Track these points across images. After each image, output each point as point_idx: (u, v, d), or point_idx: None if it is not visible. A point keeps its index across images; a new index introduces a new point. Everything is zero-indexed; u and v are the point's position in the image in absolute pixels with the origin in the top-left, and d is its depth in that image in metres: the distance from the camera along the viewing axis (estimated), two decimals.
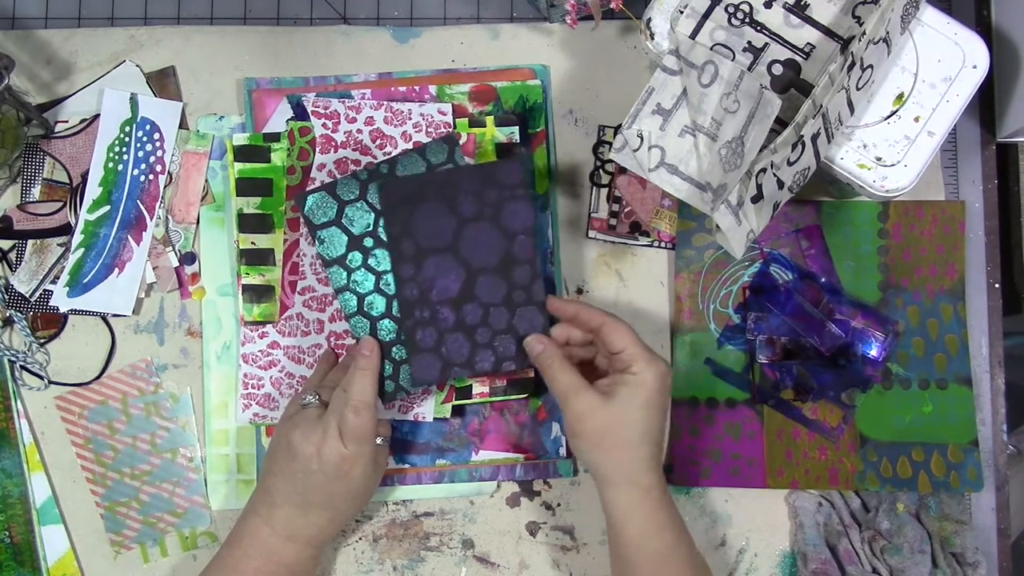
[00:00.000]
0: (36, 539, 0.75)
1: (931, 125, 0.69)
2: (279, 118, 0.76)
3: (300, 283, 0.74)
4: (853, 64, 0.65)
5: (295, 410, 0.68)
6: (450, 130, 0.75)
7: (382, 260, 0.71)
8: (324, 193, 0.70)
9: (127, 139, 0.77)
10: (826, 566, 0.73)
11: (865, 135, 0.69)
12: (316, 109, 0.75)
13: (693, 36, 0.69)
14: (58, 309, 0.75)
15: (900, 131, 0.69)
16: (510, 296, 0.69)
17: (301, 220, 0.75)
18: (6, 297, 0.76)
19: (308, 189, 0.72)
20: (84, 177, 0.76)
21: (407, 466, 0.75)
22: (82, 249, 0.75)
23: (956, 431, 0.75)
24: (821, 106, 0.64)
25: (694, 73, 0.66)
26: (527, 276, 0.69)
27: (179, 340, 0.76)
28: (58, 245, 0.76)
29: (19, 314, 0.76)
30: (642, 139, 0.65)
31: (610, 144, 0.77)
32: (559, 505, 0.76)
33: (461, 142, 0.74)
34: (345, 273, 0.71)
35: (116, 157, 0.76)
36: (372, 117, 0.75)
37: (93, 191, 0.76)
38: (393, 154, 0.75)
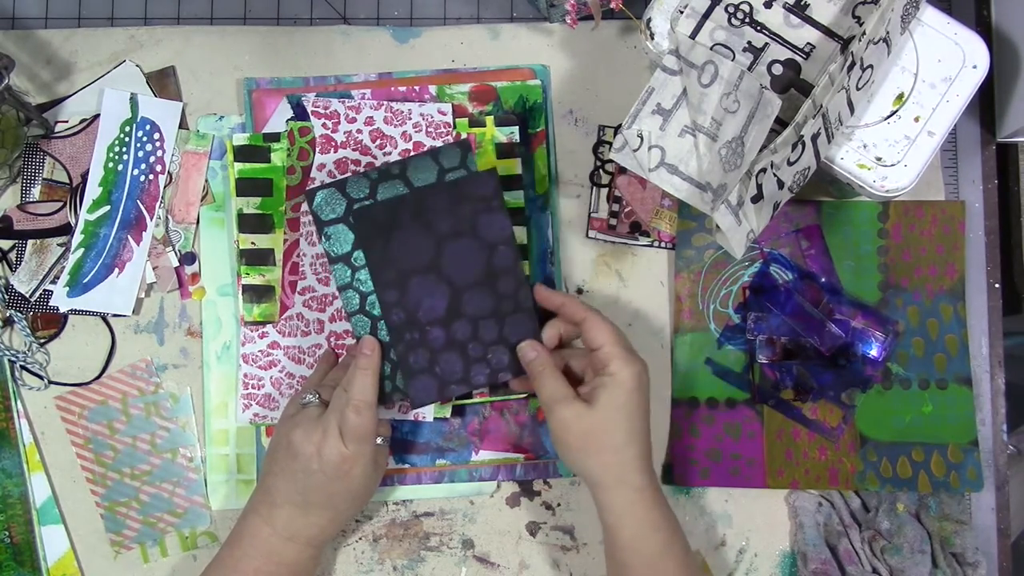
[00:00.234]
0: (36, 539, 0.75)
1: (931, 125, 0.69)
2: (279, 118, 0.76)
3: (300, 283, 0.74)
4: (853, 64, 0.65)
5: (295, 410, 0.68)
6: (451, 129, 0.75)
7: None
8: (333, 190, 0.70)
9: (127, 139, 0.77)
10: (826, 566, 0.73)
11: (865, 135, 0.69)
12: (316, 109, 0.75)
13: (693, 36, 0.69)
14: (58, 309, 0.75)
15: (900, 131, 0.69)
16: (498, 307, 0.69)
17: (302, 220, 0.75)
18: (6, 297, 0.76)
19: (318, 185, 0.72)
20: (84, 177, 0.76)
21: (407, 466, 0.75)
22: (82, 249, 0.75)
23: (956, 431, 0.75)
24: (821, 106, 0.64)
25: (694, 73, 0.66)
26: (512, 285, 0.69)
27: (179, 340, 0.76)
28: (58, 245, 0.76)
29: (19, 314, 0.76)
30: (642, 139, 0.65)
31: (610, 144, 0.77)
32: (559, 505, 0.76)
33: (477, 151, 0.74)
34: (349, 271, 0.71)
35: (116, 157, 0.76)
36: (372, 117, 0.75)
37: (93, 191, 0.76)
38: (393, 154, 0.75)
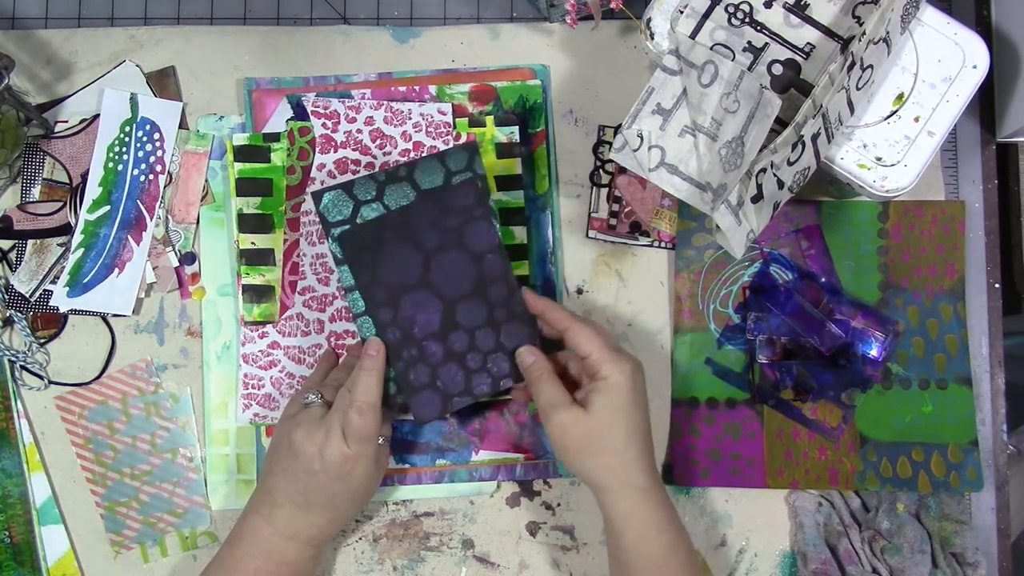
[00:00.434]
0: (36, 539, 0.75)
1: (931, 125, 0.69)
2: (279, 118, 0.76)
3: (300, 283, 0.74)
4: (853, 64, 0.65)
5: (296, 409, 0.68)
6: (450, 129, 0.75)
7: None
8: (341, 191, 0.69)
9: (127, 139, 0.77)
10: (826, 566, 0.73)
11: (865, 135, 0.69)
12: (316, 109, 0.75)
13: (693, 36, 0.69)
14: (58, 309, 0.75)
15: (900, 131, 0.69)
16: (492, 316, 0.69)
17: (302, 220, 0.75)
18: (6, 297, 0.76)
19: (325, 186, 0.71)
20: (84, 177, 0.76)
21: (407, 466, 0.75)
22: (82, 249, 0.75)
23: (956, 431, 0.75)
24: (821, 106, 0.64)
25: (694, 73, 0.66)
26: (504, 292, 0.69)
27: (179, 340, 0.76)
28: (58, 245, 0.76)
29: (19, 314, 0.76)
30: (642, 139, 0.65)
31: (610, 144, 0.77)
32: (559, 505, 0.76)
33: (482, 151, 0.74)
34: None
35: (116, 157, 0.76)
36: (372, 117, 0.75)
37: (93, 191, 0.76)
38: (393, 154, 0.75)
